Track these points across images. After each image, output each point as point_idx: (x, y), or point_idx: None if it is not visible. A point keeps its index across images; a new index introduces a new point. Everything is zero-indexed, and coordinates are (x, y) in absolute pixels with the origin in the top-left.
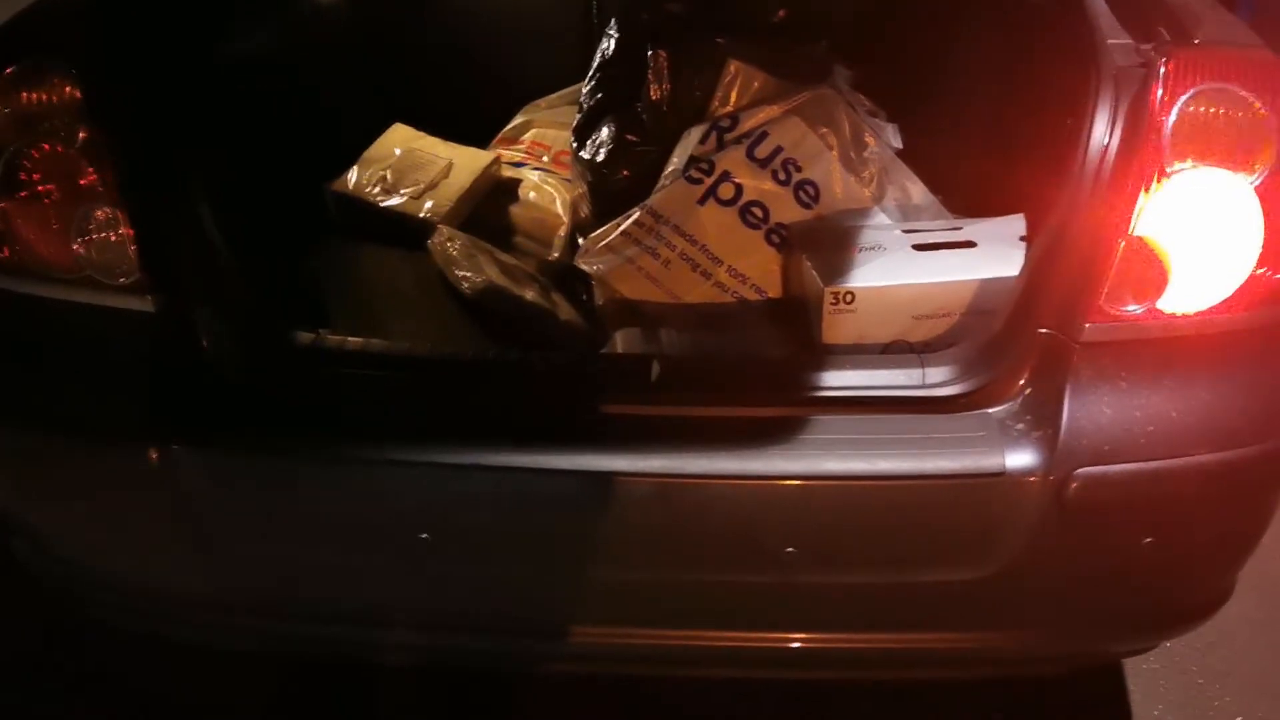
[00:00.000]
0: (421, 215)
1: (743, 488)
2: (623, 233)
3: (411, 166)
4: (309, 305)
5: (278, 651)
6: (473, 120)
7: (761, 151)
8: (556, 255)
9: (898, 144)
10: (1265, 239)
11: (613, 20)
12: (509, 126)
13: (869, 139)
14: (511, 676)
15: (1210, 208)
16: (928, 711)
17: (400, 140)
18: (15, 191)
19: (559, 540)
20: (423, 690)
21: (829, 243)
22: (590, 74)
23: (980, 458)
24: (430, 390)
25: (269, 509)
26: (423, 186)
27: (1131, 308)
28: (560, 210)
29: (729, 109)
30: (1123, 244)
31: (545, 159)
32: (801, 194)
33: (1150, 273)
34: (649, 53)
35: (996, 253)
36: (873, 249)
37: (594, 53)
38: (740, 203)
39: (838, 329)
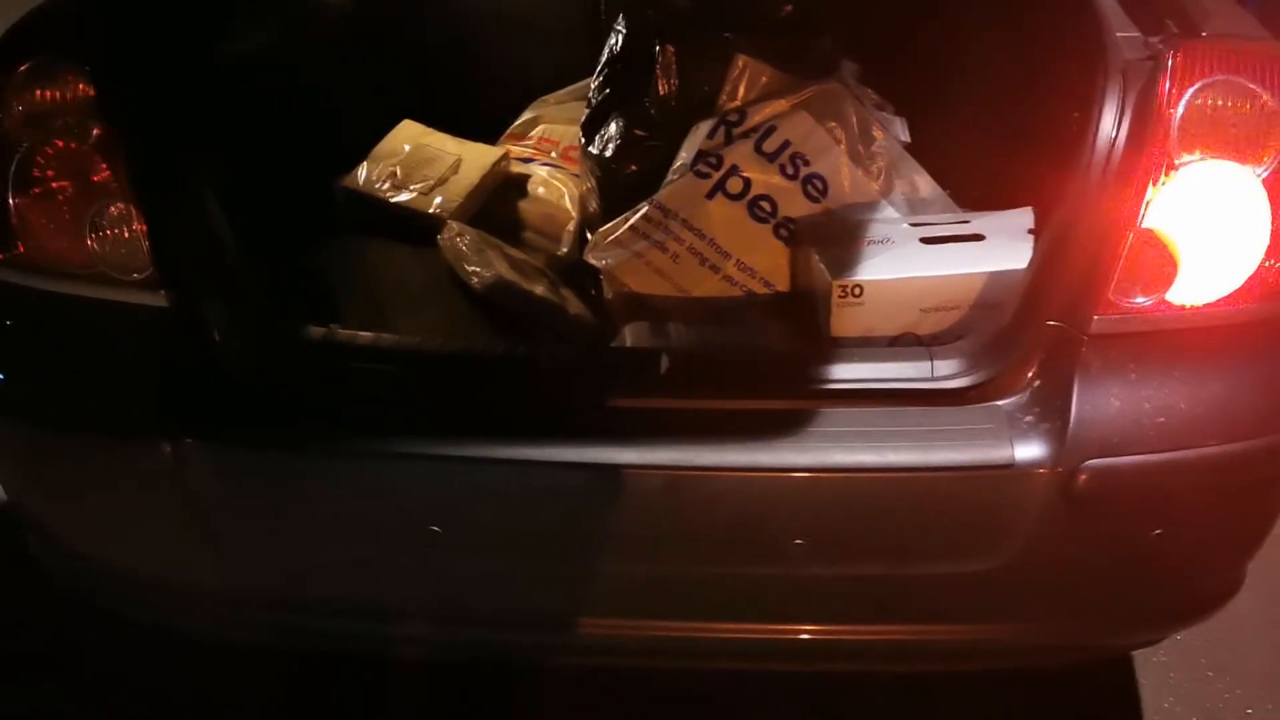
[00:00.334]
0: (431, 211)
1: (752, 480)
2: (631, 227)
3: (421, 162)
4: (319, 301)
5: (287, 645)
6: (481, 116)
7: (769, 146)
8: (565, 250)
9: (905, 138)
10: (1273, 231)
11: (620, 16)
12: (517, 122)
13: (877, 133)
14: (519, 670)
15: (1218, 200)
16: (935, 705)
17: (409, 136)
18: (29, 188)
19: (569, 533)
20: (430, 686)
21: (837, 236)
22: (598, 69)
23: (989, 450)
24: (440, 384)
25: (279, 503)
26: (432, 182)
27: (1140, 300)
28: (569, 205)
29: (737, 103)
30: (1131, 236)
31: (553, 154)
32: (809, 188)
33: (1159, 265)
34: (657, 48)
35: (1004, 246)
36: (881, 242)
37: (602, 48)
38: (748, 197)
39: (846, 322)
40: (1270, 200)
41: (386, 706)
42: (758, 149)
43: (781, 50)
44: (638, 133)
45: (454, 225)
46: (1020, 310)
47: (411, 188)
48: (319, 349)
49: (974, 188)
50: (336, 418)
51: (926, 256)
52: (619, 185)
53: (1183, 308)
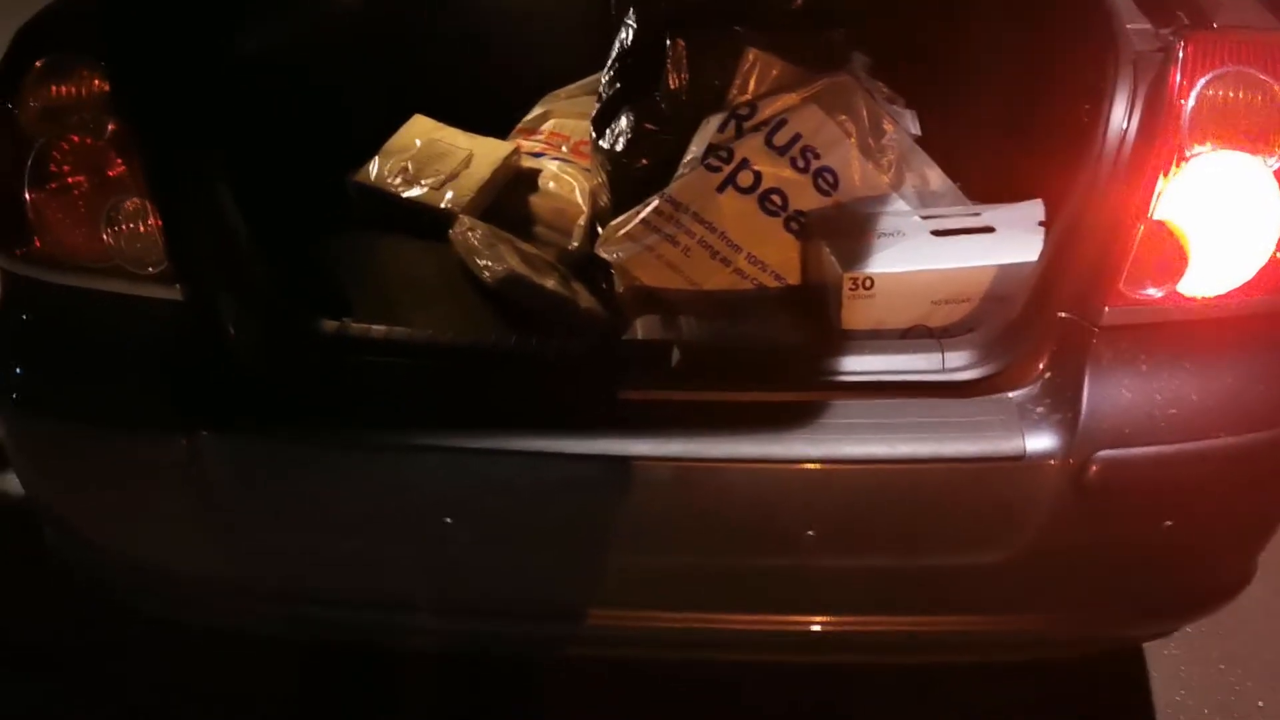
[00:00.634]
0: (442, 205)
1: (763, 471)
2: (642, 220)
3: (432, 157)
4: (331, 296)
5: (300, 636)
6: (492, 111)
7: (780, 139)
8: (576, 244)
9: (916, 131)
10: None
11: (631, 10)
12: (528, 117)
13: (887, 126)
14: (529, 662)
15: (1230, 191)
16: (945, 697)
17: (421, 131)
18: (45, 183)
19: (581, 525)
20: (439, 678)
21: (848, 229)
22: (609, 64)
23: (1000, 441)
24: (452, 377)
25: (293, 495)
26: (443, 177)
27: (1151, 291)
28: (580, 199)
29: (747, 97)
30: (1142, 228)
31: (564, 149)
32: (820, 181)
33: (1170, 256)
34: (667, 42)
35: (1015, 238)
36: (891, 235)
37: (612, 43)
38: (759, 190)
39: (857, 314)
40: None
41: (395, 699)
42: (768, 142)
43: (792, 44)
44: (648, 126)
45: (465, 220)
46: (1031, 302)
47: (423, 182)
48: (332, 342)
49: (984, 180)
50: (349, 411)
51: (937, 249)
52: (629, 179)
53: (1194, 299)
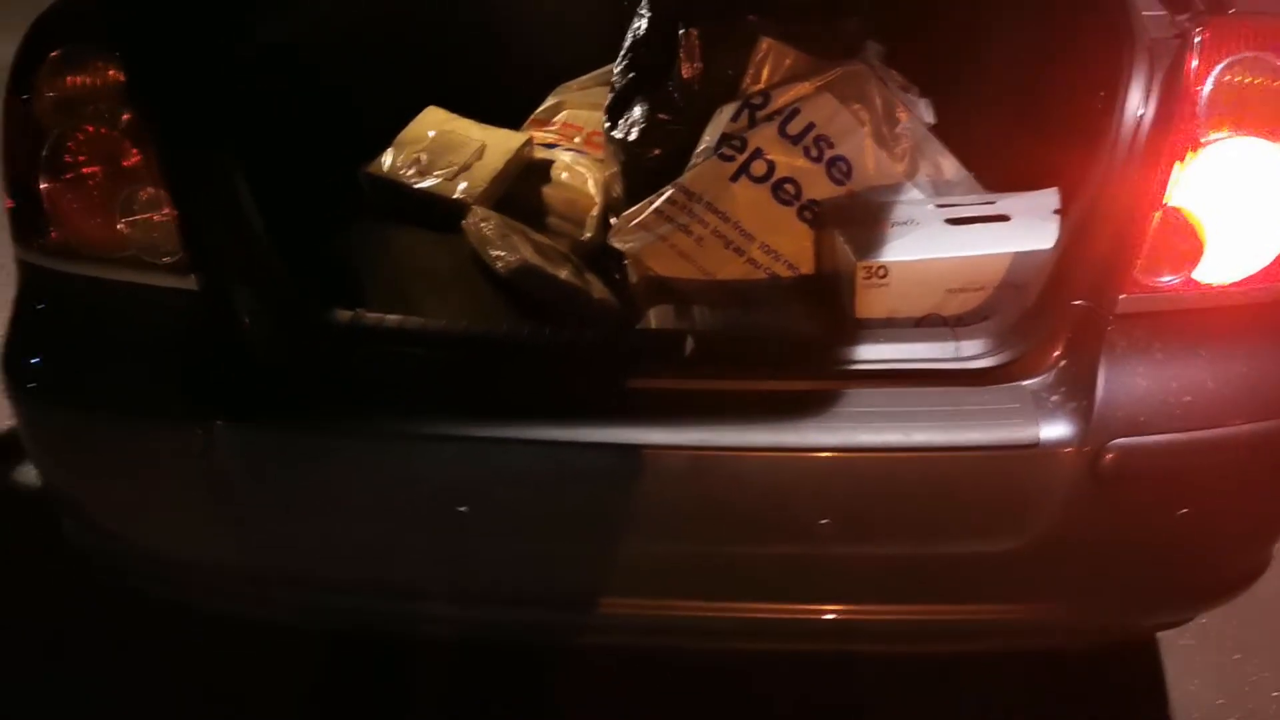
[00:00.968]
0: (455, 196)
1: (778, 460)
2: (655, 210)
3: (445, 148)
4: (345, 286)
5: (314, 625)
6: (505, 102)
7: (794, 128)
8: (589, 235)
9: (930, 119)
10: None
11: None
12: (541, 108)
13: (901, 114)
14: (539, 652)
15: (1246, 177)
16: (960, 687)
17: (434, 123)
18: (61, 174)
19: (595, 513)
20: (450, 667)
21: (862, 218)
22: (622, 54)
23: (1015, 429)
24: (466, 367)
25: (308, 484)
26: (456, 168)
27: (1167, 279)
28: (592, 190)
29: (761, 86)
30: (1158, 215)
31: (577, 140)
32: (834, 170)
33: (1186, 243)
34: (680, 31)
35: (1030, 226)
36: (905, 224)
37: (625, 32)
38: (772, 179)
39: (871, 303)
40: None
41: (405, 693)
42: (782, 132)
43: (805, 33)
44: (661, 116)
45: (479, 210)
46: (1046, 290)
47: (436, 173)
48: (346, 333)
49: (999, 169)
50: (364, 401)
51: (952, 237)
52: (642, 169)
53: (1210, 286)
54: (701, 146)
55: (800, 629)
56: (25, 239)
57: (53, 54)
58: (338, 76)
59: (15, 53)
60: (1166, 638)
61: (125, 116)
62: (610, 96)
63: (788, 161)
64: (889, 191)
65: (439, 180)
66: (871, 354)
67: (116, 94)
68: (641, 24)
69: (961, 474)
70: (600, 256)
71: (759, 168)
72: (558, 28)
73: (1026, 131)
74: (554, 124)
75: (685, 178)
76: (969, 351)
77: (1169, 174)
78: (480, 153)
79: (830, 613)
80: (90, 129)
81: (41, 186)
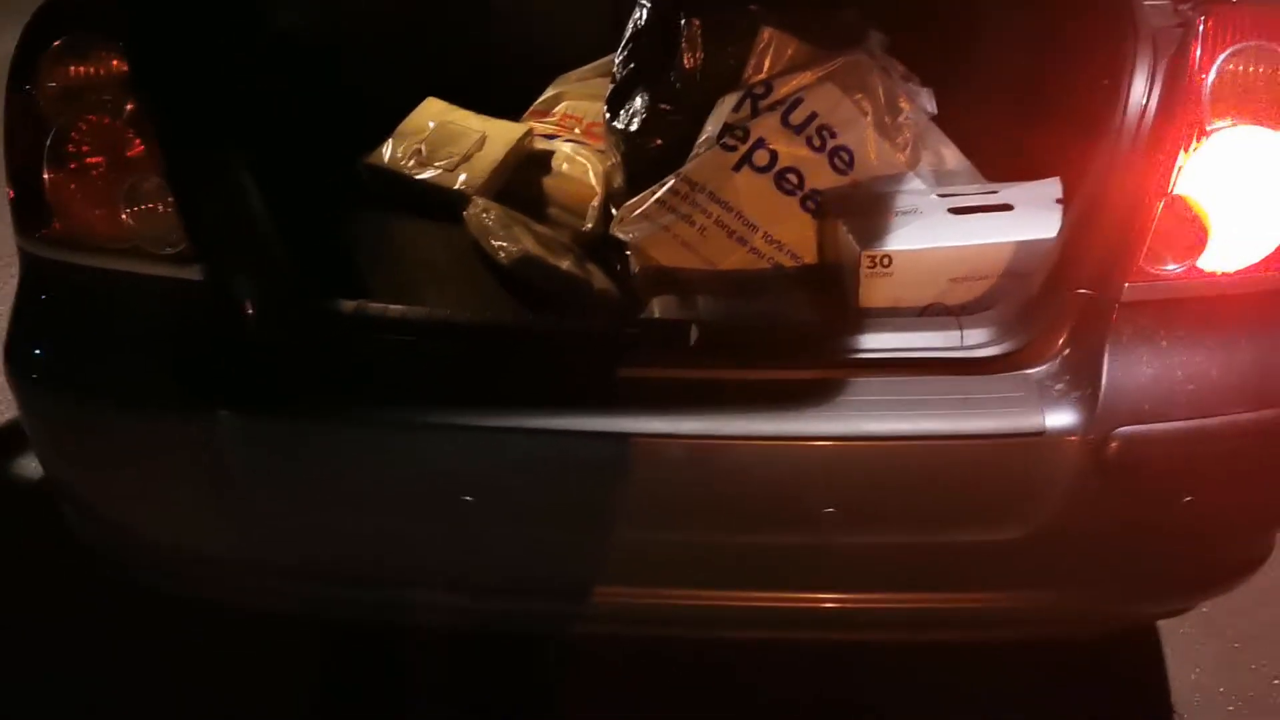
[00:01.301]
0: (456, 187)
1: (783, 449)
2: (658, 200)
3: (445, 139)
4: (348, 276)
5: (316, 614)
6: (503, 94)
7: (796, 118)
8: (590, 226)
9: (932, 109)
10: None
11: None
12: (541, 99)
13: (903, 104)
14: (548, 643)
15: (1251, 165)
16: (959, 675)
17: (434, 114)
18: (65, 164)
19: (600, 503)
20: (451, 657)
21: (865, 207)
22: (623, 44)
23: (1020, 418)
24: (469, 357)
25: (311, 473)
26: (457, 159)
27: (1171, 267)
28: (593, 181)
29: (763, 76)
30: (1162, 204)
31: (577, 131)
32: (836, 160)
33: (1190, 232)
34: (682, 21)
35: (1033, 215)
36: (909, 213)
37: (624, 23)
38: (775, 169)
39: (874, 293)
40: None
41: (405, 686)
42: (784, 121)
43: (807, 22)
44: (663, 107)
45: (480, 201)
46: (1050, 279)
47: (436, 164)
48: (349, 322)
49: (1001, 159)
50: (367, 390)
51: (955, 227)
52: (644, 159)
53: (1215, 274)
54: (703, 136)
55: (803, 617)
56: (28, 230)
57: (55, 43)
58: (339, 67)
59: (17, 42)
60: (1167, 626)
61: (128, 107)
62: (611, 87)
63: (790, 151)
64: (891, 181)
65: (439, 171)
66: (876, 343)
67: (120, 83)
68: (642, 14)
69: (966, 462)
70: (601, 247)
71: (761, 157)
72: (557, 18)
73: (1028, 121)
74: (553, 115)
75: (688, 168)
76: (973, 340)
77: (1173, 162)
78: (481, 143)
79: (835, 601)
80: (93, 119)
81: (44, 177)
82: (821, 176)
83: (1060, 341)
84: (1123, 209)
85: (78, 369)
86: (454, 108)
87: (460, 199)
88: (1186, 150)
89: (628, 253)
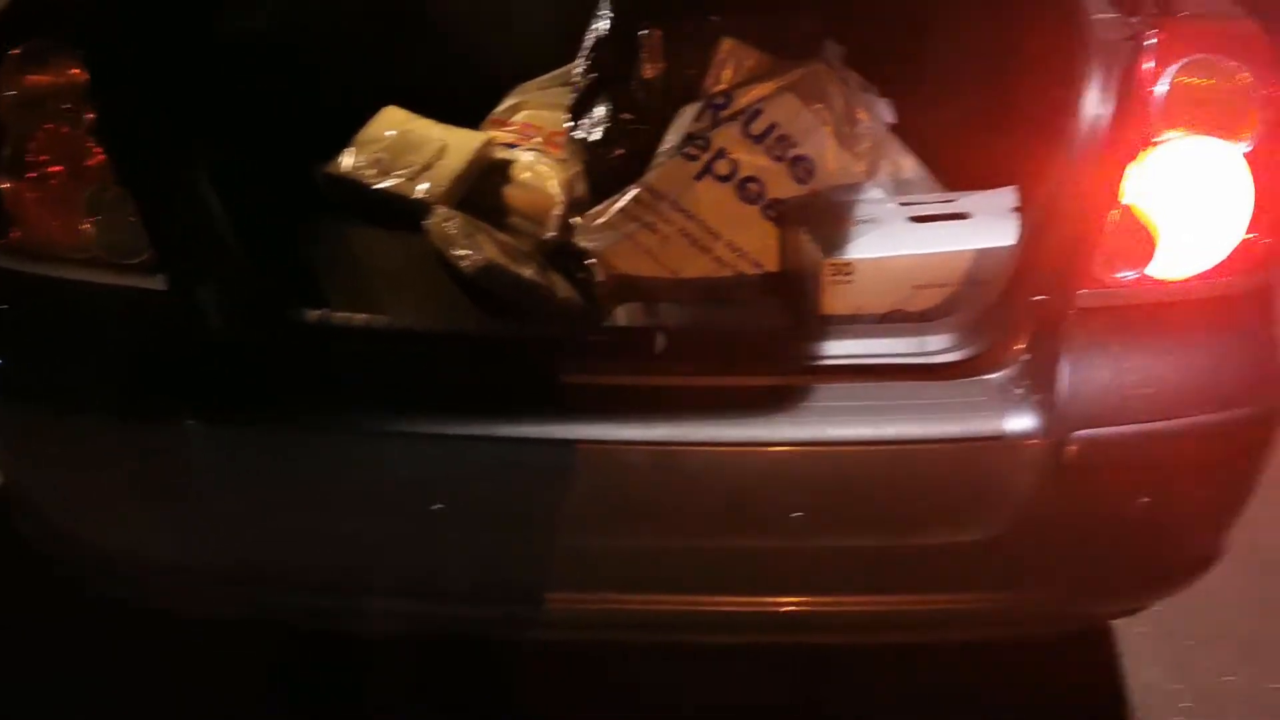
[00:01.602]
0: (416, 196)
1: (746, 454)
2: (621, 209)
3: (405, 148)
4: (313, 285)
5: (278, 622)
6: (462, 102)
7: (756, 128)
8: (552, 234)
9: (890, 119)
10: (1255, 204)
11: None
12: (500, 108)
13: (862, 114)
14: (512, 646)
15: (1201, 175)
16: (915, 677)
17: (393, 122)
18: (24, 173)
19: (567, 509)
20: (418, 663)
21: (825, 216)
22: (584, 53)
23: (980, 422)
24: (435, 365)
25: (275, 482)
26: (417, 168)
27: (1125, 274)
28: (554, 190)
29: (723, 86)
30: (1115, 212)
31: (537, 140)
32: (797, 169)
33: (1142, 240)
34: (642, 31)
35: (990, 224)
36: (869, 221)
37: (585, 32)
38: (736, 178)
39: (836, 300)
40: (1252, 174)
41: (402, 689)
42: (745, 131)
43: (767, 33)
44: (624, 116)
45: (442, 210)
46: (1008, 286)
47: (397, 173)
48: (314, 331)
49: (958, 168)
50: (334, 398)
51: (914, 235)
52: (606, 168)
53: (1167, 281)
54: (665, 146)
55: (768, 621)
56: None
57: (14, 50)
58: (299, 75)
59: None
60: (1122, 626)
61: (89, 115)
62: (573, 96)
63: (751, 161)
64: (851, 190)
65: (400, 180)
66: (838, 349)
67: (80, 92)
68: (603, 23)
69: (928, 466)
70: (562, 255)
71: (723, 167)
72: (516, 26)
73: (984, 131)
74: (513, 124)
75: (650, 176)
76: (934, 346)
77: (1123, 173)
78: (441, 152)
79: (795, 605)
80: (52, 127)
81: (3, 185)
82: (782, 186)
83: (1019, 347)
84: (1076, 218)
85: (40, 380)
86: (414, 116)
87: (421, 208)
88: (1137, 161)
89: (590, 261)
